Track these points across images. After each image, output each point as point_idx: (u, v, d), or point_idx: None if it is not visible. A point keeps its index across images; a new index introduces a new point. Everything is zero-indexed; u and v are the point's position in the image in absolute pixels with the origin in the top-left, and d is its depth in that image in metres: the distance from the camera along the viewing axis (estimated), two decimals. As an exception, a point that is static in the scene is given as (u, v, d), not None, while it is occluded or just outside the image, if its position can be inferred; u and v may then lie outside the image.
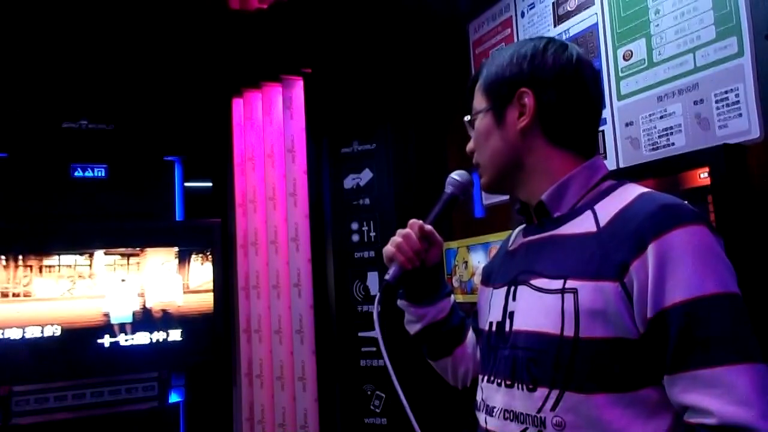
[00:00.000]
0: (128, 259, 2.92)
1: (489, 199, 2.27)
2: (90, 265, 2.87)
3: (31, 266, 2.78)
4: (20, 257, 2.76)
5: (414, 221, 1.05)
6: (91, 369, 2.80)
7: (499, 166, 0.94)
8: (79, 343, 2.78)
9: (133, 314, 2.89)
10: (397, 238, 1.03)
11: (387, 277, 1.02)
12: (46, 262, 2.81)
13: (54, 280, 2.81)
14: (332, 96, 2.85)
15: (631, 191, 0.84)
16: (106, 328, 2.84)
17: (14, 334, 2.69)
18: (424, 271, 1.06)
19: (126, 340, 2.85)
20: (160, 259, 2.98)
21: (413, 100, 2.71)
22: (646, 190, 0.84)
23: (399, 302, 1.13)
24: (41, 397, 2.72)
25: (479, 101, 0.96)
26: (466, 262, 2.34)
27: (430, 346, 1.13)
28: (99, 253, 2.89)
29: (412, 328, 1.13)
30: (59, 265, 2.83)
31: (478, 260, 2.27)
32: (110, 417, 2.80)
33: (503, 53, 0.95)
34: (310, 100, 2.87)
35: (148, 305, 2.92)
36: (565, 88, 0.90)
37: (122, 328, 2.86)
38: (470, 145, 1.00)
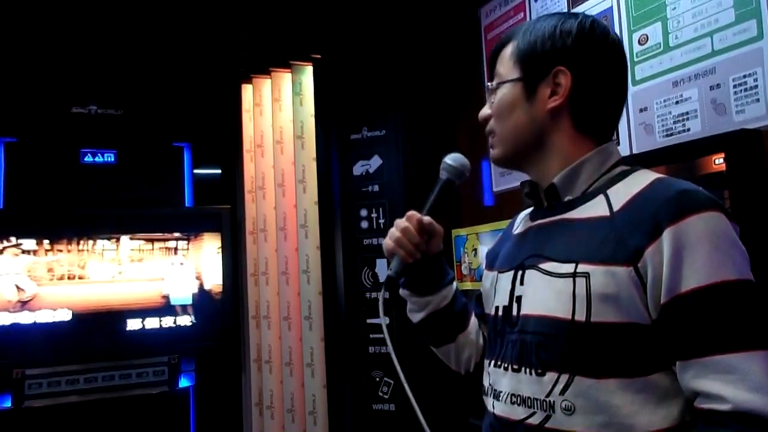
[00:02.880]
0: (177, 243, 3.00)
1: (498, 187, 2.25)
2: (116, 250, 2.91)
3: (85, 250, 2.85)
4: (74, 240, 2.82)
5: (412, 214, 1.02)
6: (103, 353, 2.83)
7: (518, 141, 0.91)
8: (92, 328, 2.81)
9: (192, 296, 2.97)
10: (396, 233, 1.01)
11: (389, 272, 1.01)
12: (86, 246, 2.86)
13: (106, 263, 2.88)
14: (342, 82, 2.83)
15: (646, 176, 0.83)
16: (167, 309, 2.92)
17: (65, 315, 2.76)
18: (425, 261, 1.05)
19: (190, 322, 2.94)
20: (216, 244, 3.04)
21: (423, 86, 2.68)
22: (661, 175, 0.82)
23: (401, 292, 1.12)
24: (53, 380, 2.74)
25: (507, 69, 0.91)
26: (475, 250, 2.33)
27: (434, 333, 1.12)
28: (124, 239, 2.92)
29: (415, 317, 1.12)
30: (104, 250, 2.90)
31: (488, 248, 2.25)
32: (121, 400, 2.83)
33: (544, 23, 0.89)
34: (319, 87, 2.85)
35: (206, 287, 3.00)
36: (603, 73, 0.87)
37: (184, 309, 2.96)
38: (485, 112, 0.95)
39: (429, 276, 1.07)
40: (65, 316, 2.78)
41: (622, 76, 0.89)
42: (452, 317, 1.09)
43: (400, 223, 1.02)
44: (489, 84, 0.94)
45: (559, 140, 0.88)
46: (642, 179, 0.82)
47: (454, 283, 1.12)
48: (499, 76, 0.93)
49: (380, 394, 2.54)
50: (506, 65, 0.91)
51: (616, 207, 0.81)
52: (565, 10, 1.90)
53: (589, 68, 0.86)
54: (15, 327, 2.70)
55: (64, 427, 2.72)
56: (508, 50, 0.92)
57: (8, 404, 2.69)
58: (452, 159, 1.05)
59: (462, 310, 1.11)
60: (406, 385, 0.93)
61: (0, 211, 2.86)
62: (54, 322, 2.76)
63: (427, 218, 1.02)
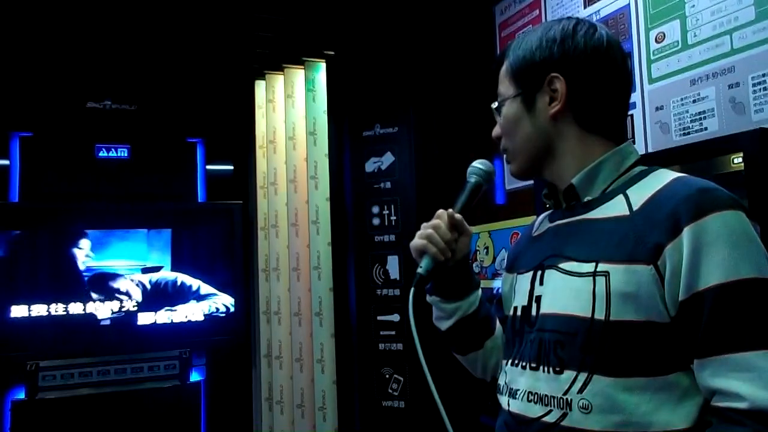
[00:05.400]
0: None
1: (510, 185, 2.24)
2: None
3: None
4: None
5: (442, 211, 1.01)
6: (115, 347, 2.85)
7: (530, 153, 0.93)
8: (104, 321, 2.83)
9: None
10: (427, 230, 0.99)
11: (419, 270, 0.97)
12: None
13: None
14: (355, 79, 2.83)
15: (666, 175, 0.83)
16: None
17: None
18: (454, 263, 1.02)
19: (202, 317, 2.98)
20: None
21: (437, 83, 2.68)
22: (681, 174, 0.82)
23: (429, 298, 1.08)
24: (67, 372, 2.78)
25: (506, 86, 0.94)
26: (487, 248, 2.33)
27: (461, 341, 1.09)
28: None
29: (444, 324, 1.08)
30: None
31: (500, 246, 2.25)
32: (133, 394, 2.85)
33: (530, 36, 0.92)
34: (332, 83, 2.86)
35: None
36: (596, 71, 0.87)
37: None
38: (497, 131, 0.98)
39: (458, 280, 1.05)
40: (78, 308, 2.81)
41: (619, 72, 0.89)
42: (479, 323, 1.07)
43: (430, 222, 1.01)
44: (492, 106, 0.97)
45: (568, 143, 0.90)
46: (661, 178, 0.82)
47: (480, 288, 1.10)
48: (500, 95, 0.95)
49: (390, 390, 2.54)
50: (504, 83, 0.94)
51: (635, 206, 0.81)
52: (580, 7, 1.89)
53: (581, 69, 0.87)
54: (29, 320, 2.73)
55: (76, 419, 2.75)
56: (504, 69, 0.95)
57: (22, 396, 2.72)
58: (482, 164, 1.04)
59: (488, 314, 1.09)
60: (433, 388, 0.91)
61: (15, 204, 2.89)
62: (68, 315, 2.79)
63: (458, 215, 1.01)
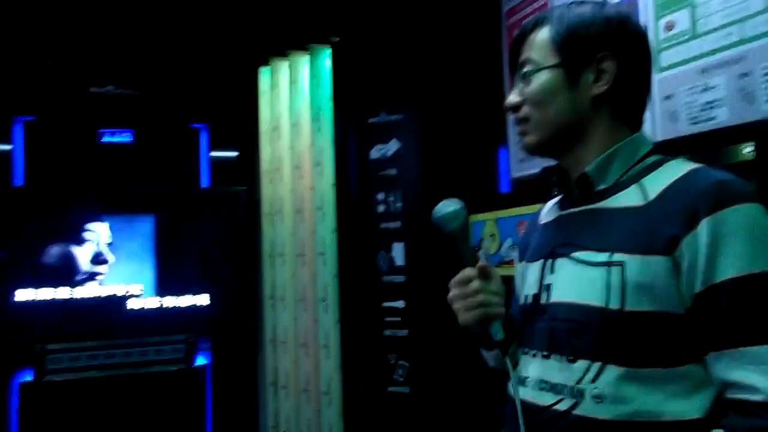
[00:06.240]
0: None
1: (516, 173, 2.24)
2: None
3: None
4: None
5: (468, 272, 0.89)
6: (121, 330, 2.87)
7: (557, 129, 0.88)
8: (112, 305, 2.85)
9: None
10: (477, 298, 0.88)
11: (498, 338, 0.88)
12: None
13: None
14: (360, 65, 2.82)
15: (683, 165, 0.82)
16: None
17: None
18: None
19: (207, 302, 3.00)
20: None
21: (443, 69, 2.66)
22: (698, 165, 0.82)
23: (485, 353, 1.01)
24: (74, 355, 2.80)
25: (543, 54, 0.87)
26: (492, 236, 2.33)
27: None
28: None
29: (492, 363, 1.03)
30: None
31: (506, 234, 2.26)
32: (139, 377, 2.88)
33: (582, 9, 0.88)
34: (337, 69, 2.84)
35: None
36: (642, 61, 0.88)
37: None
38: (515, 99, 0.91)
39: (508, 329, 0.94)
40: (84, 292, 2.83)
41: (649, 63, 0.90)
42: (516, 335, 1.01)
43: (464, 290, 0.90)
44: (524, 70, 0.90)
45: (598, 129, 0.87)
46: (678, 168, 0.81)
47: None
48: (532, 62, 0.89)
49: (395, 376, 2.57)
50: (541, 51, 0.88)
51: (651, 196, 0.80)
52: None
53: (631, 55, 0.86)
54: (36, 303, 2.75)
55: (83, 401, 2.79)
56: (542, 35, 0.88)
57: (30, 378, 2.75)
58: (449, 204, 0.92)
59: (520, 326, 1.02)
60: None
61: (20, 188, 2.90)
62: (74, 299, 2.81)
63: (483, 262, 0.92)
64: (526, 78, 0.89)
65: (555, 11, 0.90)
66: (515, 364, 0.91)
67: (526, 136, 0.92)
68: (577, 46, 0.86)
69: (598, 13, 0.87)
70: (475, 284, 0.89)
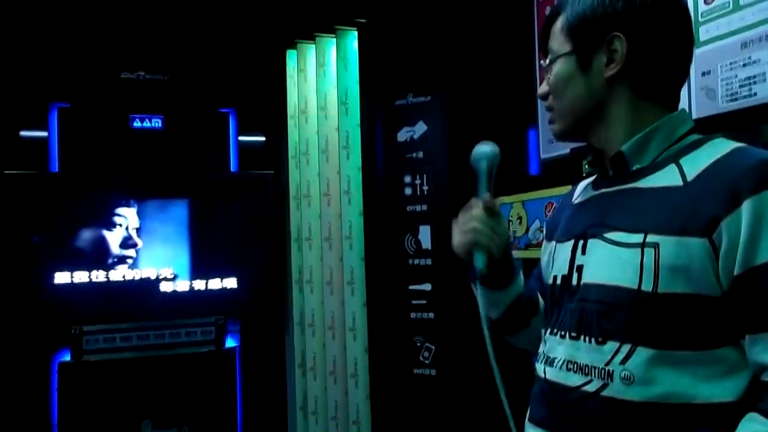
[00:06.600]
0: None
1: (545, 154, 2.20)
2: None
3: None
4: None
5: (475, 200, 0.96)
6: (154, 313, 2.94)
7: (578, 115, 0.89)
8: (145, 288, 2.92)
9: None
10: (471, 224, 0.94)
11: (479, 267, 0.93)
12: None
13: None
14: (387, 47, 2.79)
15: (725, 145, 0.79)
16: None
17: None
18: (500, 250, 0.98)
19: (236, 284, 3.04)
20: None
21: (470, 51, 2.62)
22: (740, 144, 0.79)
23: (479, 291, 1.03)
24: (109, 336, 2.88)
25: (560, 43, 0.89)
26: (520, 218, 2.30)
27: (510, 325, 1.07)
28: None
29: (494, 313, 1.05)
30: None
31: (534, 216, 2.22)
32: (171, 358, 2.95)
33: None
34: (364, 52, 2.82)
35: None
36: (661, 34, 0.83)
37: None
38: (543, 89, 0.94)
39: (503, 267, 1.00)
40: (118, 275, 2.90)
41: (683, 36, 0.85)
42: (525, 304, 1.05)
43: (466, 216, 0.96)
44: (542, 61, 0.93)
45: (620, 109, 0.86)
46: (720, 148, 0.79)
47: (521, 270, 1.07)
48: (552, 51, 0.91)
49: (421, 359, 2.57)
50: (558, 39, 0.89)
51: (690, 176, 0.78)
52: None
53: (645, 31, 0.83)
54: (72, 286, 2.83)
55: (118, 380, 2.87)
56: (558, 24, 0.89)
57: (68, 358, 2.84)
58: (486, 145, 1.00)
59: (532, 294, 1.07)
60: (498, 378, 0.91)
61: (56, 174, 2.97)
62: (109, 282, 2.88)
63: (493, 199, 0.96)
64: (548, 68, 0.91)
65: None
66: (509, 329, 1.06)
67: (553, 124, 0.94)
68: (586, 31, 0.85)
69: None
70: (474, 212, 0.95)
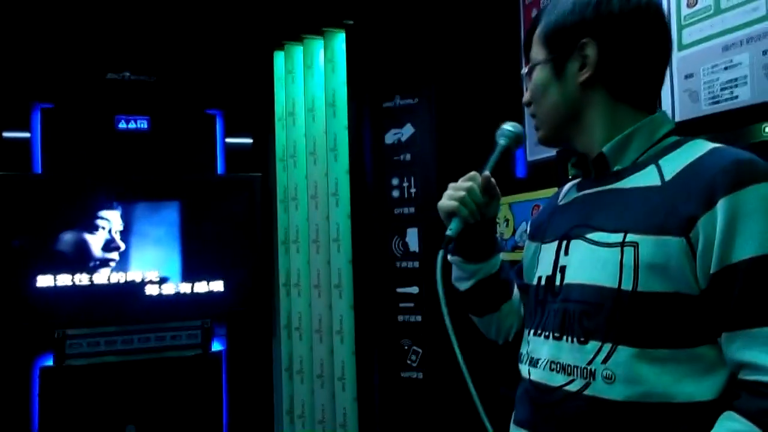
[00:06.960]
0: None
1: (532, 156, 2.21)
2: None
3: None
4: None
5: (475, 173, 0.98)
6: (139, 316, 2.91)
7: (557, 121, 0.91)
8: (129, 291, 2.89)
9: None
10: (460, 192, 0.96)
11: (449, 232, 0.95)
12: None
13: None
14: (375, 49, 2.79)
15: (702, 146, 0.80)
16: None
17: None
18: (481, 225, 1.01)
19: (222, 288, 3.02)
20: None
21: (458, 53, 2.63)
22: (718, 144, 0.80)
23: (451, 258, 1.07)
24: (93, 340, 2.85)
25: (537, 51, 0.91)
26: (507, 220, 2.30)
27: (479, 302, 1.09)
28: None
29: (463, 285, 1.07)
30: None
31: (521, 218, 2.23)
32: (156, 362, 2.92)
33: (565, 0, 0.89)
34: (352, 54, 2.82)
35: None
36: (631, 37, 0.84)
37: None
38: (526, 97, 0.96)
39: (482, 241, 1.03)
40: (102, 278, 2.87)
41: (657, 39, 0.86)
42: (499, 285, 1.07)
43: (461, 183, 0.98)
44: (522, 71, 0.96)
45: (597, 113, 0.87)
46: (698, 148, 0.80)
47: (502, 252, 1.10)
48: (531, 60, 0.93)
49: (408, 362, 2.56)
50: (536, 48, 0.92)
51: (668, 176, 0.79)
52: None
53: (616, 35, 0.84)
54: (55, 289, 2.79)
55: (102, 385, 2.83)
56: (537, 33, 0.92)
57: (51, 362, 2.80)
58: (512, 126, 1.02)
59: (507, 278, 1.09)
60: (458, 350, 0.92)
61: (39, 175, 2.93)
62: (93, 285, 2.85)
63: (492, 179, 0.99)
64: (529, 76, 0.94)
65: (547, 6, 0.92)
66: (478, 309, 1.08)
67: (537, 131, 0.96)
68: (559, 38, 0.88)
69: (578, 0, 0.86)
70: (468, 184, 0.96)
